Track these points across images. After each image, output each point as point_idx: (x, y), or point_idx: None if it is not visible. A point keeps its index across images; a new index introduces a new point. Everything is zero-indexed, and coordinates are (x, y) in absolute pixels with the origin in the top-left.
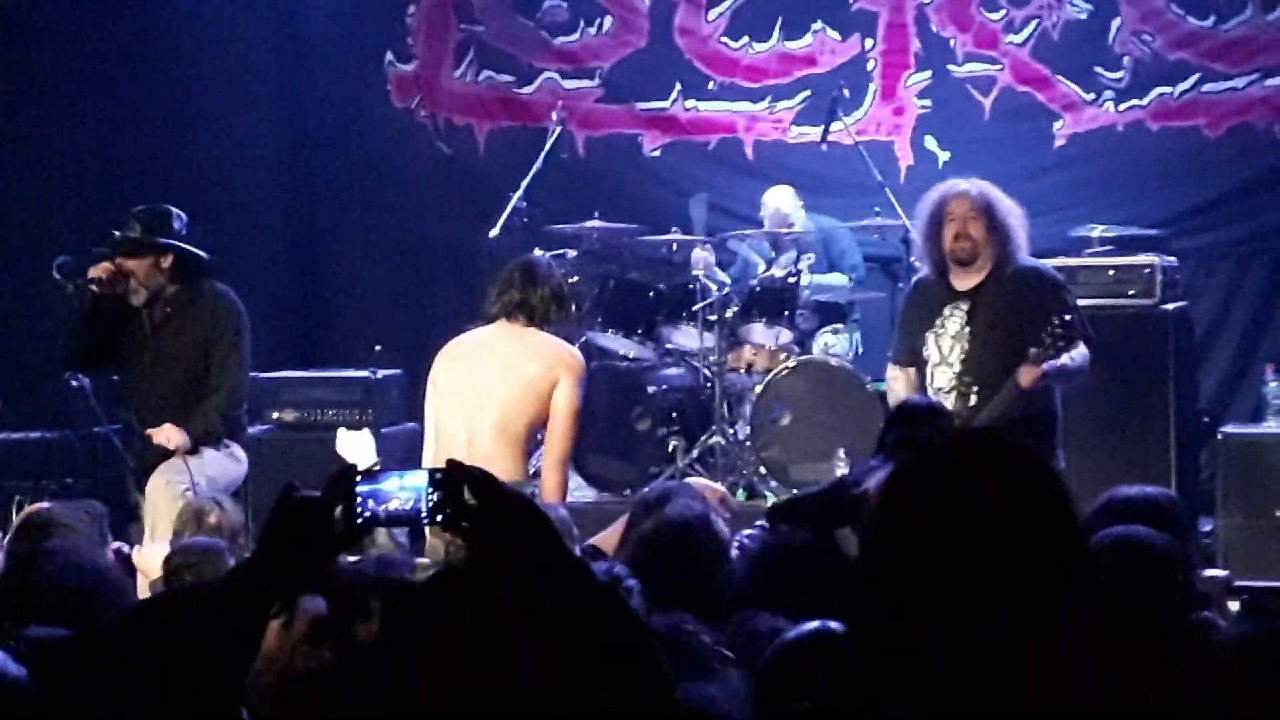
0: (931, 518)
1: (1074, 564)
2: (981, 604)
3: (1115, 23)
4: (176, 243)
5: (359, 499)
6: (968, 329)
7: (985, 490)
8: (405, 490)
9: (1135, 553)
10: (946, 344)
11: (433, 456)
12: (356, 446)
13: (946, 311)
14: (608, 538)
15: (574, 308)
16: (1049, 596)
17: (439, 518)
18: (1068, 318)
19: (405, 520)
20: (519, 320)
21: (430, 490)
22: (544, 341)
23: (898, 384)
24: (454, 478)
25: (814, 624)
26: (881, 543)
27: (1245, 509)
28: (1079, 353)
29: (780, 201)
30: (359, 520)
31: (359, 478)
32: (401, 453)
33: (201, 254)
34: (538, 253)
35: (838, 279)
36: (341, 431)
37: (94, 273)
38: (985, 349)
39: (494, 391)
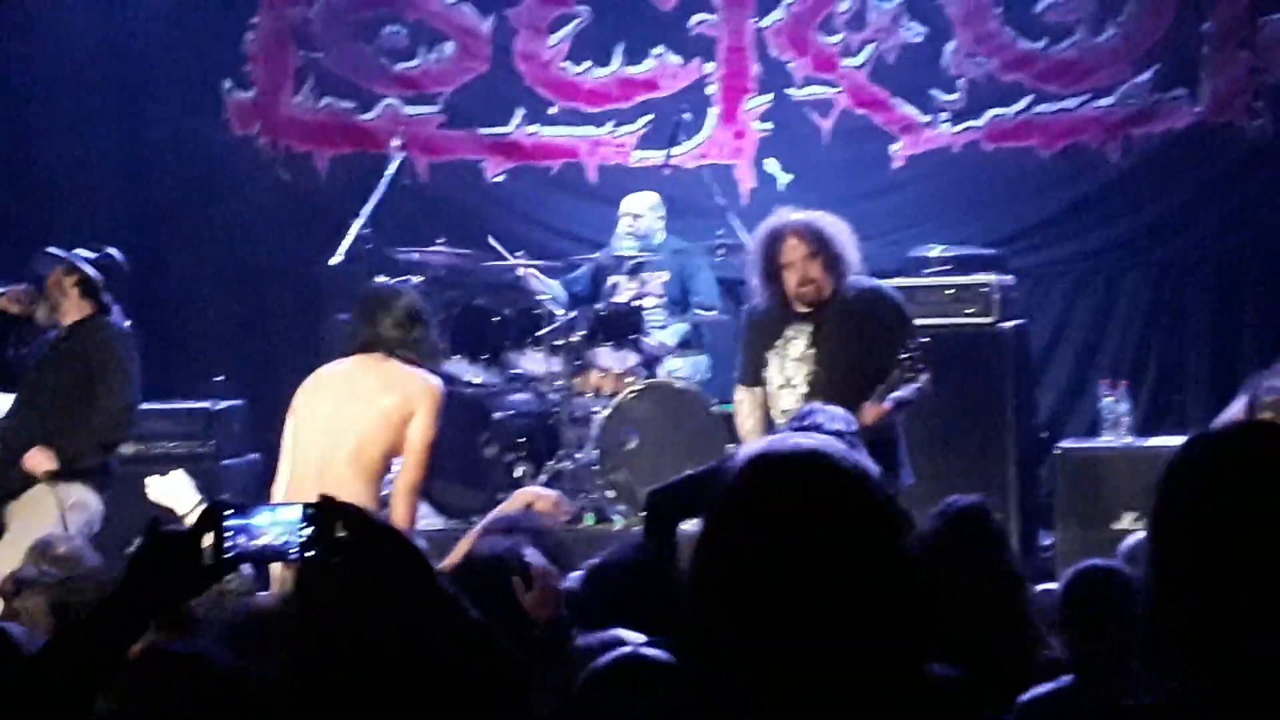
0: (757, 544)
1: (902, 582)
2: (809, 631)
3: (950, 46)
4: (84, 267)
5: (228, 533)
6: (812, 351)
7: (811, 510)
8: (277, 525)
9: None
10: (791, 367)
11: (285, 485)
12: (170, 490)
13: (789, 333)
14: (448, 565)
15: (425, 335)
16: (878, 617)
17: (311, 553)
18: (913, 348)
19: (276, 556)
20: (377, 353)
21: (303, 525)
22: (401, 373)
23: (744, 405)
24: (327, 512)
25: (625, 649)
26: (711, 570)
27: (1082, 521)
28: (922, 379)
29: (643, 206)
30: (228, 555)
31: (229, 511)
32: (244, 484)
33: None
34: (381, 280)
35: (690, 311)
36: (152, 479)
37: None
38: (832, 372)
39: (350, 422)
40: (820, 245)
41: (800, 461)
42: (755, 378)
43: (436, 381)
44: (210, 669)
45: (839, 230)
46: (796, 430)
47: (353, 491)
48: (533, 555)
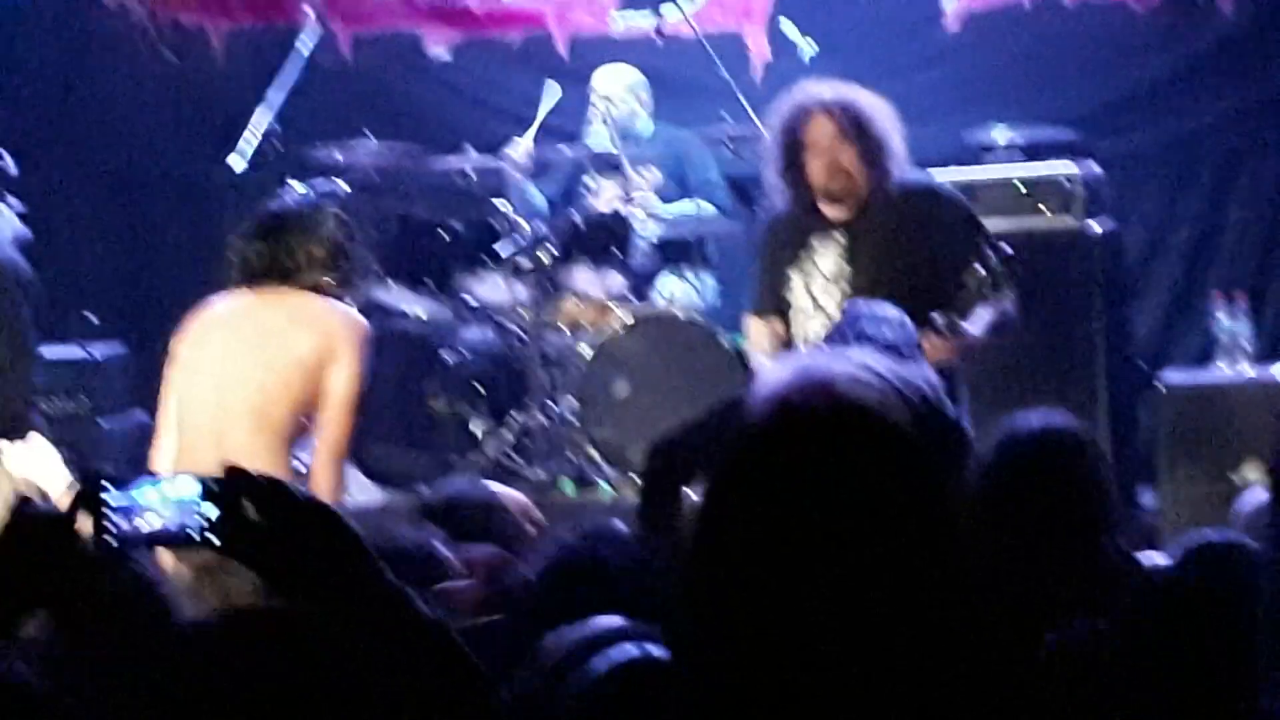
0: (768, 519)
1: (943, 562)
2: (831, 626)
3: None
4: None
5: (111, 515)
6: (849, 269)
7: (831, 479)
8: (170, 503)
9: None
10: (819, 287)
11: (171, 453)
12: (32, 460)
13: (816, 245)
14: None
15: (349, 260)
16: (915, 605)
17: (215, 539)
18: (991, 259)
19: (171, 540)
20: (284, 283)
21: (202, 502)
22: (315, 307)
23: (761, 339)
24: (233, 486)
25: (630, 650)
26: (712, 552)
27: (1195, 474)
28: (1006, 301)
29: (618, 86)
30: (112, 542)
31: (109, 486)
32: (128, 450)
33: None
34: (295, 188)
35: (688, 207)
36: (7, 447)
37: None
38: (875, 295)
39: (251, 371)
40: (855, 126)
41: (835, 419)
42: (775, 302)
43: (360, 319)
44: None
45: (879, 110)
46: (838, 346)
47: (258, 458)
48: (446, 549)
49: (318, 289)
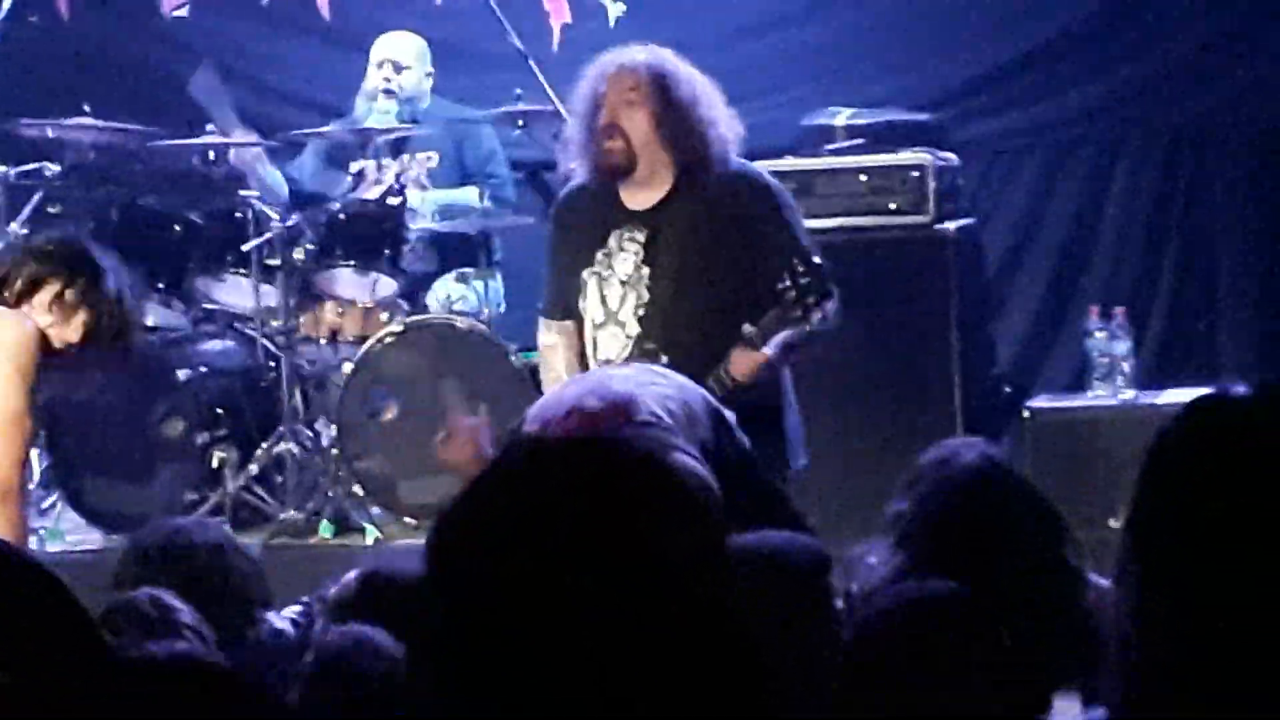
0: (486, 567)
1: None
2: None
3: None
4: None
5: None
6: (646, 270)
7: (567, 519)
8: None
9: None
10: (615, 293)
11: None
12: None
13: (613, 243)
14: None
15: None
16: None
17: None
18: (803, 265)
19: None
20: None
21: None
22: None
23: (554, 352)
24: None
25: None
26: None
27: (1067, 516)
28: (822, 311)
29: (405, 54)
30: None
31: None
32: None
33: None
34: None
35: (469, 195)
36: None
37: None
38: (676, 301)
39: None
40: (658, 91)
41: (584, 455)
42: (567, 307)
43: (15, 317)
44: None
45: (698, 84)
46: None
47: None
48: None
49: None
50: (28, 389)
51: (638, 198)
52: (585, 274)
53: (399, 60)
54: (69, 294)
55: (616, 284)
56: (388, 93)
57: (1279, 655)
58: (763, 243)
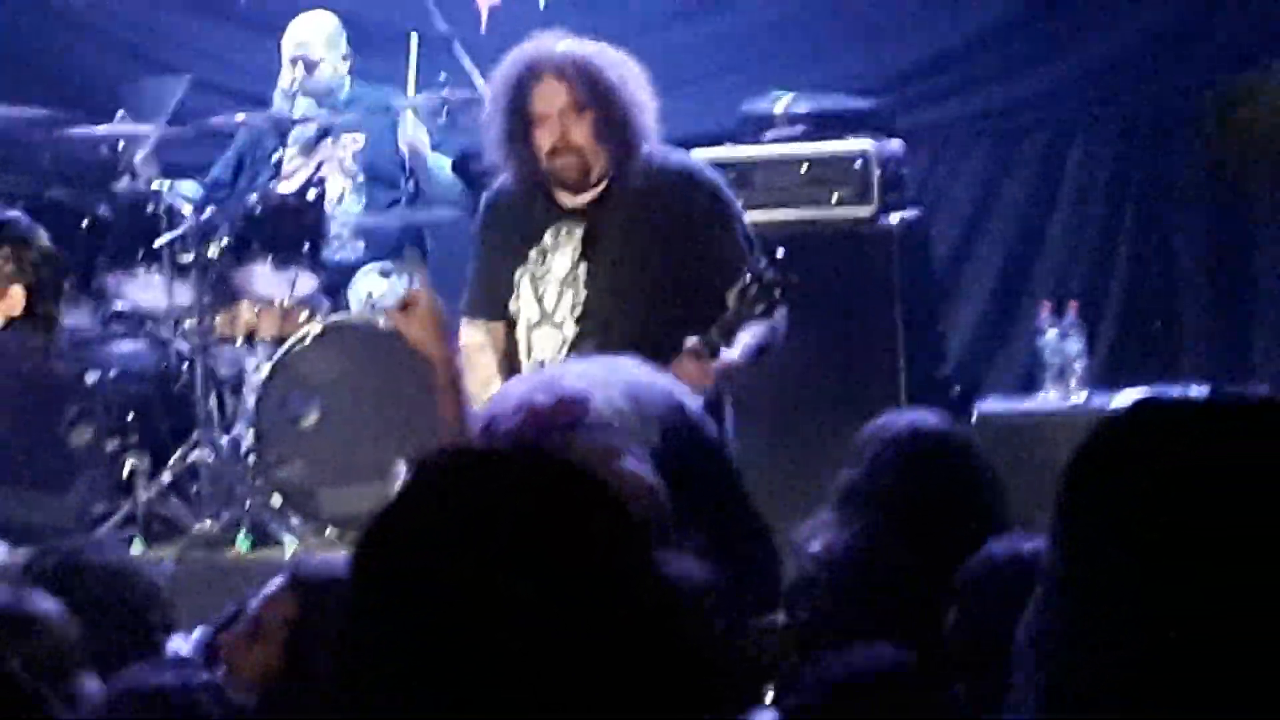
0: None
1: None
2: None
3: None
4: None
5: None
6: (584, 267)
7: (503, 536)
8: None
9: None
10: (551, 291)
11: None
12: None
13: (548, 240)
14: None
15: None
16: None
17: None
18: (757, 265)
19: None
20: None
21: None
22: None
23: (481, 351)
24: None
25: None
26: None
27: (1017, 527)
28: (775, 315)
29: (315, 38)
30: None
31: None
32: None
33: None
34: None
35: (400, 203)
36: None
37: None
38: (616, 301)
39: None
40: (593, 92)
41: (515, 463)
42: (494, 307)
43: None
44: None
45: (626, 72)
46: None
47: None
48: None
49: None
50: None
51: (570, 195)
52: (518, 273)
53: (309, 55)
54: (6, 265)
55: (553, 282)
56: (299, 84)
57: (1196, 669)
58: (708, 244)
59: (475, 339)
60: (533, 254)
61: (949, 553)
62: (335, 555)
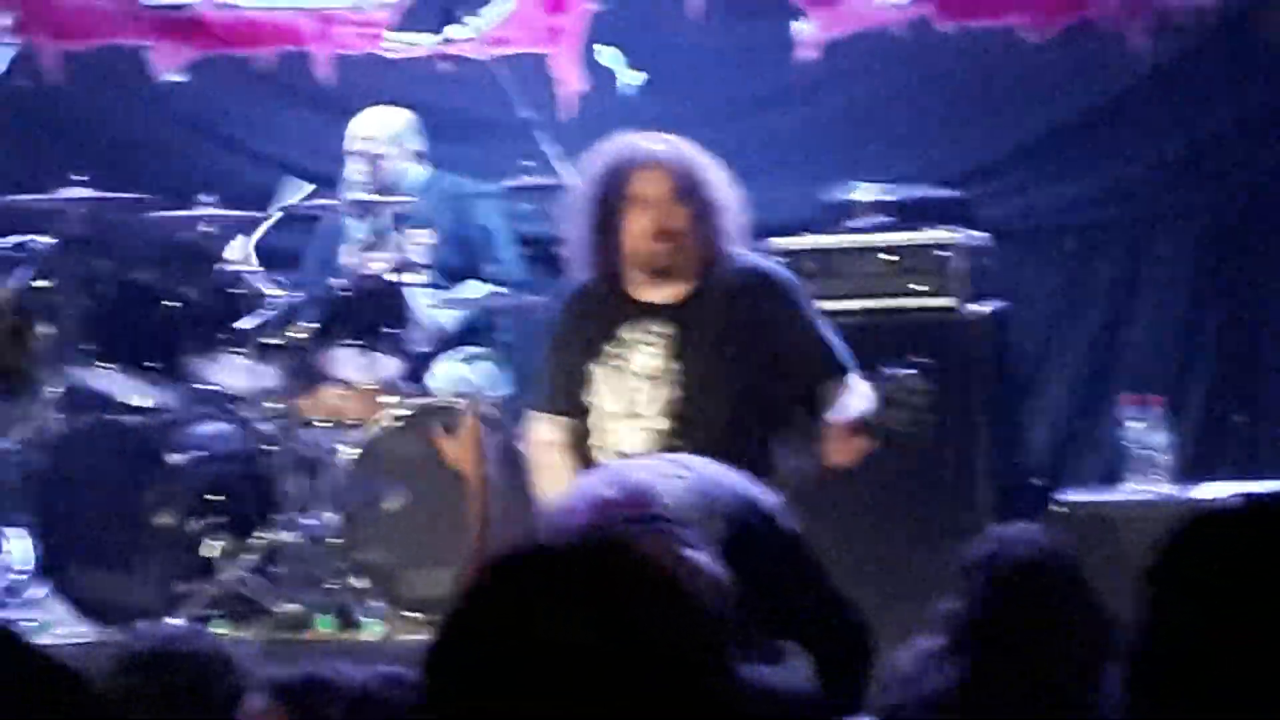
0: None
1: None
2: None
3: None
4: None
5: None
6: (676, 366)
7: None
8: None
9: None
10: (636, 387)
11: None
12: None
13: (626, 335)
14: None
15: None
16: None
17: None
18: (901, 381)
19: None
20: None
21: None
22: None
23: (551, 448)
24: None
25: None
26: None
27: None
28: (862, 390)
29: (381, 130)
30: None
31: None
32: None
33: None
34: None
35: (476, 291)
36: None
37: None
38: (708, 400)
39: None
40: (692, 187)
41: (586, 557)
42: (569, 403)
43: None
44: None
45: (719, 175)
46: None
47: None
48: None
49: None
50: None
51: (653, 291)
52: (591, 366)
53: (371, 150)
54: None
55: (635, 378)
56: (361, 179)
57: None
58: (790, 346)
59: (550, 436)
60: (609, 348)
61: (1061, 684)
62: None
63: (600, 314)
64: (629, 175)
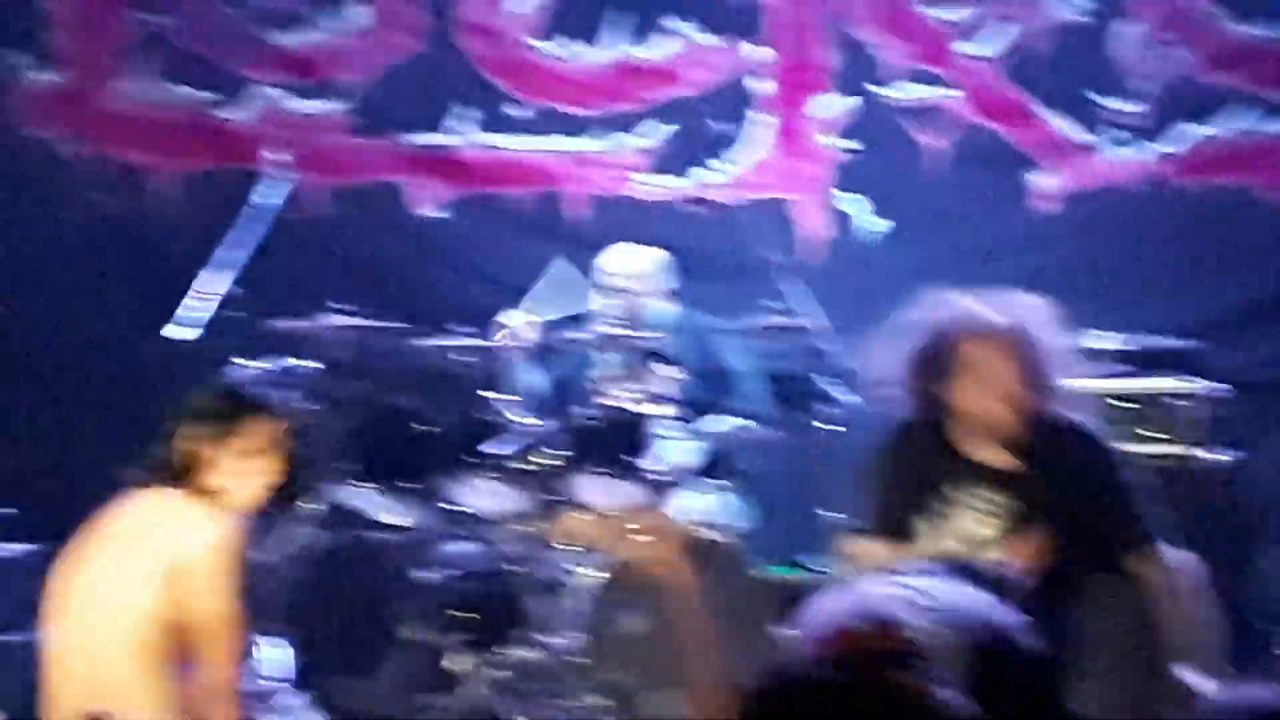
0: None
1: None
2: None
3: (1126, 29)
4: None
5: None
6: (1007, 535)
7: None
8: None
9: None
10: (963, 547)
11: (50, 690)
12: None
13: (953, 493)
14: None
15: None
16: None
17: None
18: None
19: None
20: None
21: None
22: (173, 512)
23: (872, 554)
24: None
25: None
26: None
27: None
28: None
29: (633, 271)
30: None
31: None
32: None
33: None
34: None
35: (720, 425)
36: None
37: None
38: (1030, 561)
39: (122, 587)
40: (1033, 358)
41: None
42: (899, 533)
43: (218, 523)
44: None
45: (1054, 333)
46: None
47: (139, 699)
48: None
49: (196, 490)
50: (236, 586)
51: (985, 452)
52: (915, 518)
53: (625, 286)
54: (262, 434)
55: (965, 541)
56: (617, 324)
57: None
58: (1109, 505)
59: (878, 552)
60: (934, 504)
61: None
62: None
63: (926, 464)
64: (965, 339)
